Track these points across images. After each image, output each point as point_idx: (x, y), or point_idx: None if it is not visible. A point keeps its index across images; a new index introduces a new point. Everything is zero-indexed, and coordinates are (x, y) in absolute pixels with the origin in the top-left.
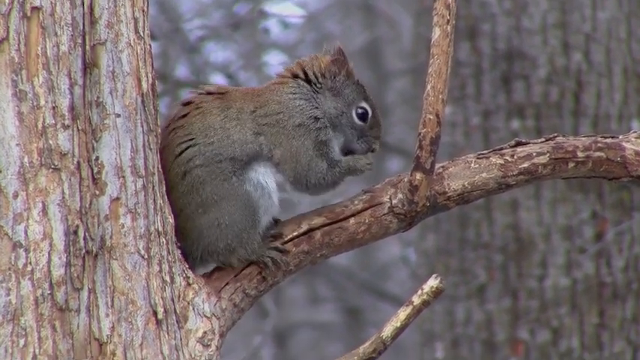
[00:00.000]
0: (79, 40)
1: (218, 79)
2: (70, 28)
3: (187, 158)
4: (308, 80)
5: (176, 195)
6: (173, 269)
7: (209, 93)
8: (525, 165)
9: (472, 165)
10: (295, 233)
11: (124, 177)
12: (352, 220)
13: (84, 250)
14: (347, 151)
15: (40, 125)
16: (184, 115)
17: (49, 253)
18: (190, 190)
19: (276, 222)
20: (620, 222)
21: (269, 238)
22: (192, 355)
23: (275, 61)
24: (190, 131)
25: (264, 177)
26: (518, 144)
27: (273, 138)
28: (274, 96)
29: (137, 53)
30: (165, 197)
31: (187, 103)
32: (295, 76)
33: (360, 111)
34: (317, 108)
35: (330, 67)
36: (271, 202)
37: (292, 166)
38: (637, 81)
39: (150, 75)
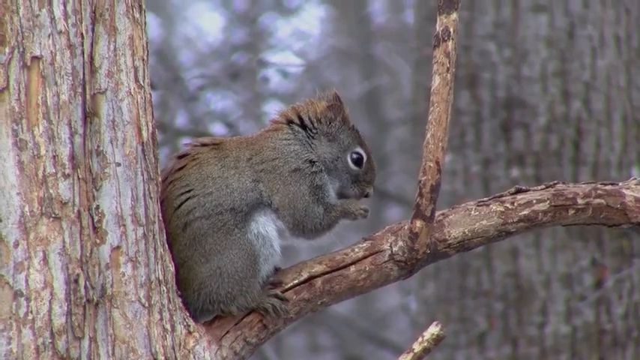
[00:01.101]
0: (80, 90)
1: (218, 129)
2: (71, 78)
3: (187, 210)
4: (303, 125)
5: (178, 247)
6: (174, 317)
7: (204, 144)
8: (525, 212)
9: (472, 212)
10: (296, 281)
11: (124, 225)
12: (353, 268)
13: (85, 299)
14: (341, 196)
15: (40, 174)
16: (181, 168)
17: (50, 302)
18: (192, 243)
19: (276, 270)
20: (620, 269)
21: (268, 285)
22: None
23: (274, 111)
24: (188, 182)
25: (265, 226)
26: (519, 191)
27: (270, 184)
28: (269, 142)
29: (137, 102)
30: (166, 246)
31: (183, 156)
32: (290, 122)
33: (355, 156)
34: (312, 152)
35: (327, 113)
36: (272, 250)
37: (290, 213)
38: (637, 129)
39: (150, 124)
